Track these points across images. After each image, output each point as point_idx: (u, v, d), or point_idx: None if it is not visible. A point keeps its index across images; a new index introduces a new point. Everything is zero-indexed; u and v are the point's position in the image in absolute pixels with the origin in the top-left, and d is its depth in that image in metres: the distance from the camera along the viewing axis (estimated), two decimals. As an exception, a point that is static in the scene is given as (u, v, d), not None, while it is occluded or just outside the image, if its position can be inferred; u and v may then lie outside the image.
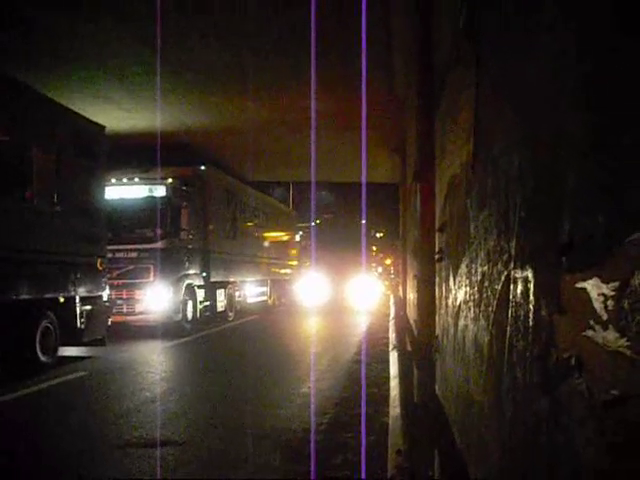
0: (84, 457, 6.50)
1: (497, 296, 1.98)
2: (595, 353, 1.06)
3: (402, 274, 15.62)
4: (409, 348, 8.38)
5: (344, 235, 27.94)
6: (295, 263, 32.54)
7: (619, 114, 1.01)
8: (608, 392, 0.99)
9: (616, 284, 0.97)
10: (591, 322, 1.07)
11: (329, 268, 26.90)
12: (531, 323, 1.52)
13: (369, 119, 14.44)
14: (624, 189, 0.97)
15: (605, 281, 1.01)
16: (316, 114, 16.15)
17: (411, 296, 10.07)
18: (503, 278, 1.87)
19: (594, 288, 1.06)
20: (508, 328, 1.80)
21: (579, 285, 1.13)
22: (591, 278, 1.07)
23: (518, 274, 1.66)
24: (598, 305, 1.04)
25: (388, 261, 37.20)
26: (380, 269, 35.05)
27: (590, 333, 1.08)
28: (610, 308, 1.00)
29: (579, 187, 1.17)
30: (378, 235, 37.47)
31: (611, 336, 0.99)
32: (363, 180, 21.06)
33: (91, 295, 13.08)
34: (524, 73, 1.69)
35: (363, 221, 28.59)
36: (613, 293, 0.98)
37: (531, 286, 1.53)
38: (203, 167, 20.40)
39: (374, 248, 33.83)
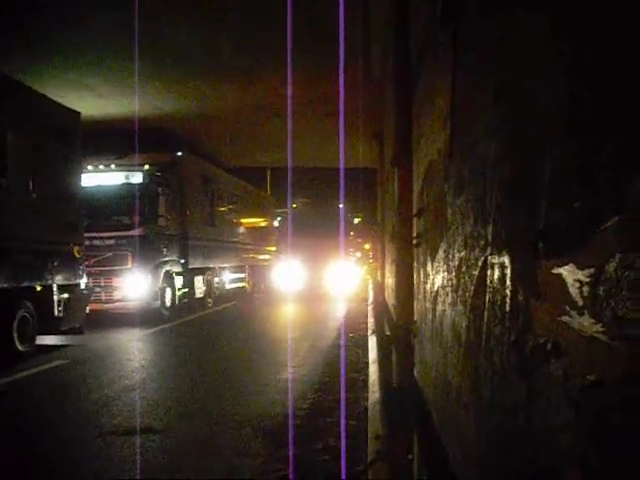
0: (64, 446, 6.48)
1: (474, 281, 1.99)
2: (571, 338, 1.07)
3: (381, 259, 15.66)
4: (388, 333, 8.42)
5: (322, 220, 27.68)
6: (274, 249, 32.50)
7: (596, 101, 1.02)
8: (584, 377, 1.00)
9: (591, 270, 0.97)
10: (567, 308, 1.08)
11: (307, 253, 26.69)
12: (508, 308, 1.53)
13: (346, 104, 14.43)
14: (600, 176, 0.97)
15: (581, 267, 1.02)
16: (293, 99, 16.13)
17: (389, 281, 10.10)
18: (480, 263, 1.88)
19: (570, 274, 1.07)
20: (485, 313, 1.81)
21: (555, 271, 1.13)
22: (567, 264, 1.08)
23: (495, 260, 1.67)
24: (574, 291, 1.05)
25: (367, 246, 37.23)
26: (359, 254, 35.04)
27: (566, 319, 1.08)
28: (585, 294, 1.00)
29: (555, 174, 1.18)
30: (356, 220, 37.43)
31: (587, 322, 0.99)
32: (341, 165, 21.04)
33: (68, 283, 12.99)
34: (501, 59, 1.69)
35: (341, 205, 28.39)
36: (588, 279, 0.99)
37: (508, 272, 1.53)
38: (180, 153, 20.29)
39: (352, 233, 33.74)
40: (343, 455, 5.45)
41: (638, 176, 0.85)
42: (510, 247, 1.52)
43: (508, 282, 1.53)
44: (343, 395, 7.82)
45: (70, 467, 5.95)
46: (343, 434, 6.22)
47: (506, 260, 1.55)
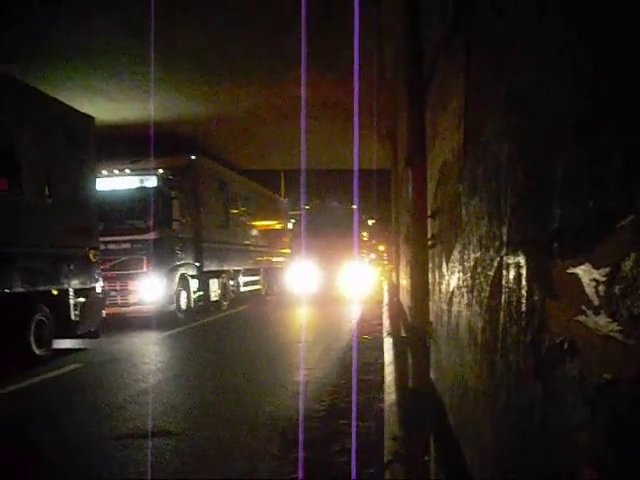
0: (79, 449, 6.52)
1: (490, 282, 1.99)
2: (587, 338, 1.07)
3: (395, 260, 15.63)
4: (403, 334, 8.41)
5: (335, 221, 27.51)
6: (288, 251, 32.54)
7: (608, 102, 1.02)
8: (600, 376, 1.00)
9: (607, 269, 0.98)
10: (583, 307, 1.08)
11: (320, 255, 26.55)
12: (524, 308, 1.53)
13: (360, 106, 14.43)
14: (613, 175, 0.98)
15: (596, 266, 1.02)
16: (306, 101, 16.15)
17: (404, 282, 10.09)
18: (496, 264, 1.88)
19: (585, 273, 1.07)
20: (501, 314, 1.81)
21: (570, 270, 1.14)
22: (582, 264, 1.08)
23: (510, 260, 1.67)
24: (589, 290, 1.05)
25: (381, 247, 37.20)
26: (373, 256, 35.02)
27: (582, 318, 1.09)
28: (601, 293, 1.01)
29: (568, 174, 1.18)
30: (370, 222, 37.39)
31: (602, 321, 1.00)
32: (355, 166, 20.98)
33: (84, 287, 13.07)
34: (513, 61, 1.70)
35: (354, 206, 28.21)
36: (604, 278, 0.99)
37: (523, 272, 1.54)
38: (194, 157, 20.37)
39: (365, 234, 33.67)
40: (354, 456, 5.45)
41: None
42: (525, 247, 1.52)
43: (524, 282, 1.53)
44: (354, 397, 7.83)
45: (85, 470, 5.98)
46: (354, 435, 6.22)
47: (521, 260, 1.55)
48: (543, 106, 1.38)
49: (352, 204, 28.44)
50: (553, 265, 1.25)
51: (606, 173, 1.00)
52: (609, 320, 0.97)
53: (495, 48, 1.96)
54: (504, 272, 1.76)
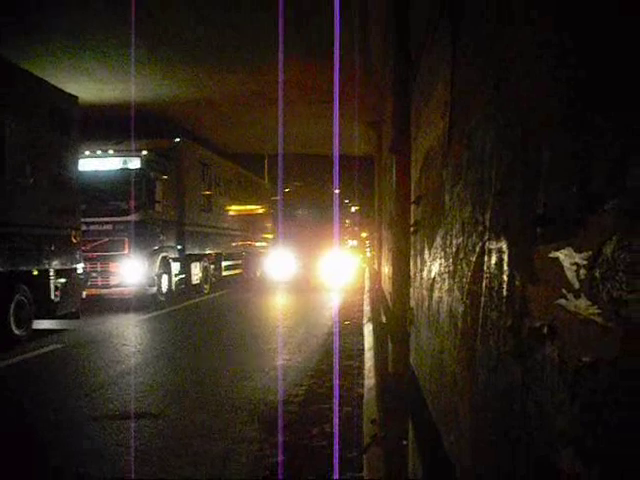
0: (59, 430, 6.51)
1: (471, 267, 2.00)
2: (567, 321, 1.08)
3: (377, 247, 15.68)
4: (384, 320, 8.45)
5: (316, 205, 27.33)
6: (270, 236, 32.51)
7: (594, 90, 1.03)
8: (579, 359, 1.01)
9: (588, 253, 0.99)
10: (563, 291, 1.09)
11: (300, 241, 26.42)
12: (505, 293, 1.55)
13: (343, 93, 14.42)
14: (597, 161, 0.99)
15: (578, 250, 1.03)
16: (287, 86, 16.12)
17: (386, 269, 10.12)
18: (478, 249, 1.89)
19: (567, 258, 1.08)
20: (482, 299, 1.82)
21: (552, 255, 1.15)
22: (564, 248, 1.09)
23: (492, 245, 1.69)
24: (570, 274, 1.06)
25: (363, 234, 37.29)
26: (356, 242, 35.07)
27: (562, 302, 1.10)
28: (582, 277, 1.02)
29: (553, 159, 1.19)
30: (353, 209, 37.43)
31: (583, 304, 1.01)
32: (335, 149, 20.92)
33: (65, 268, 13.02)
34: (500, 47, 1.70)
35: (336, 190, 27.97)
36: (585, 262, 1.00)
37: (505, 257, 1.55)
38: (178, 139, 20.29)
39: (347, 221, 33.69)
40: (336, 439, 5.48)
41: (635, 159, 0.87)
42: (508, 233, 1.53)
43: (505, 267, 1.54)
44: (336, 381, 7.87)
45: (66, 450, 5.97)
46: (336, 418, 6.25)
47: (504, 246, 1.56)
48: (529, 92, 1.38)
49: (334, 189, 28.30)
50: (535, 250, 1.26)
51: (590, 158, 1.01)
52: (589, 303, 0.98)
53: (483, 35, 1.97)
54: (486, 258, 1.78)
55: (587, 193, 1.01)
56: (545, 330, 1.20)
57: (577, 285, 1.04)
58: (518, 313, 1.41)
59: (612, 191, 0.92)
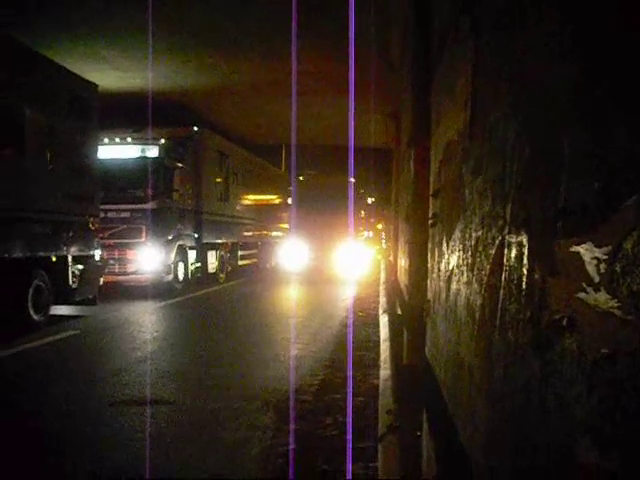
0: (75, 415, 6.58)
1: (491, 260, 2.02)
2: (586, 314, 1.10)
3: (394, 240, 15.68)
4: (399, 312, 8.46)
5: (332, 196, 26.99)
6: (286, 226, 32.50)
7: (613, 83, 1.05)
8: (598, 350, 1.03)
9: (609, 248, 1.01)
10: (583, 284, 1.11)
11: (315, 231, 26.15)
12: (524, 286, 1.57)
13: (360, 83, 14.39)
14: (618, 155, 1.01)
15: (598, 245, 1.05)
16: (303, 75, 16.11)
17: (402, 261, 10.13)
18: (497, 243, 1.91)
19: (587, 252, 1.10)
20: (501, 291, 1.84)
21: (573, 249, 1.17)
22: (585, 242, 1.11)
23: (512, 239, 1.70)
24: (591, 268, 1.08)
25: (379, 226, 37.29)
26: (371, 234, 35.06)
27: (582, 295, 1.12)
28: (602, 271, 1.04)
29: (574, 154, 1.21)
30: (370, 200, 37.38)
31: (602, 297, 1.03)
32: (350, 137, 20.81)
33: (83, 254, 13.11)
34: (521, 41, 1.72)
35: (351, 179, 27.48)
36: (606, 257, 1.02)
37: (525, 250, 1.57)
38: (196, 128, 20.33)
39: (363, 212, 33.58)
40: (349, 427, 5.51)
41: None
42: (528, 226, 1.55)
43: (525, 260, 1.56)
44: (350, 370, 7.90)
45: (81, 435, 6.03)
46: (349, 408, 6.28)
47: (524, 239, 1.58)
48: (551, 87, 1.40)
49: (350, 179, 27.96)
50: (556, 244, 1.28)
51: (612, 154, 1.03)
52: (609, 297, 1.01)
53: (504, 30, 1.98)
54: (505, 251, 1.80)
55: (608, 189, 1.03)
56: (564, 322, 1.22)
57: (597, 279, 1.06)
58: (537, 305, 1.43)
59: (633, 187, 0.94)
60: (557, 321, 1.26)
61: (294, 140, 25.33)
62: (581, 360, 1.12)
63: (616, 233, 0.98)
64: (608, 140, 1.04)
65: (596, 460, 1.05)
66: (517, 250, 1.65)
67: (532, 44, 1.59)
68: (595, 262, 1.07)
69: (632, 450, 0.95)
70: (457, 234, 2.88)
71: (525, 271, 1.56)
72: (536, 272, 1.45)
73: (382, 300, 10.54)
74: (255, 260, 28.13)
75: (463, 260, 2.68)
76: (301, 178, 32.08)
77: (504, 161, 1.84)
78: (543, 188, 1.42)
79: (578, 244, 1.14)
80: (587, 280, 1.10)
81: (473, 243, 2.41)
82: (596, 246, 1.06)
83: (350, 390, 7.03)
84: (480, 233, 2.24)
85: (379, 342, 7.80)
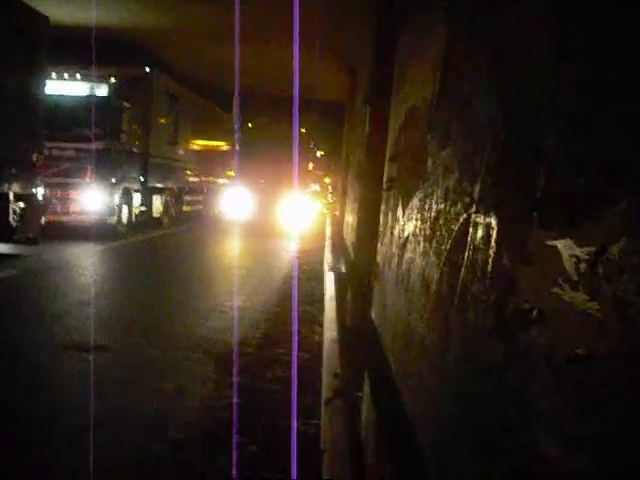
0: (17, 358, 6.47)
1: (453, 236, 2.01)
2: (561, 310, 1.09)
3: (342, 195, 15.68)
4: (344, 270, 8.49)
5: (277, 145, 26.54)
6: (232, 173, 32.16)
7: (599, 65, 1.02)
8: (572, 349, 1.02)
9: (592, 249, 0.99)
10: (559, 280, 1.10)
11: (260, 180, 25.72)
12: (490, 269, 1.55)
13: (309, 36, 14.22)
14: (609, 155, 0.98)
15: (579, 244, 1.04)
16: (252, 22, 15.85)
17: (350, 219, 10.14)
18: (462, 220, 1.90)
19: (566, 248, 1.08)
20: (462, 269, 1.83)
21: (549, 242, 1.15)
22: (564, 238, 1.09)
23: (480, 219, 1.69)
24: (569, 265, 1.07)
25: (327, 180, 37.21)
26: (318, 187, 35.00)
27: (557, 290, 1.10)
28: (582, 271, 1.02)
29: (559, 145, 1.18)
30: (319, 154, 37.28)
31: (580, 297, 1.02)
32: (295, 82, 20.44)
33: (25, 192, 12.79)
34: (502, 17, 1.68)
35: (303, 130, 26.87)
36: (587, 257, 1.00)
37: (493, 233, 1.55)
38: (148, 69, 19.89)
39: (311, 165, 33.42)
40: (295, 383, 5.55)
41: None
42: (499, 209, 1.53)
43: (493, 243, 1.55)
44: (295, 327, 7.92)
45: (22, 380, 5.94)
46: (294, 363, 6.32)
47: (493, 221, 1.56)
48: (533, 60, 1.37)
49: (299, 128, 27.56)
50: (531, 233, 1.26)
51: (602, 151, 1.00)
52: (588, 298, 0.99)
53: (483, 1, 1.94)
54: (471, 229, 1.78)
55: (595, 188, 1.01)
56: (534, 313, 1.21)
57: (575, 277, 1.04)
58: (504, 291, 1.42)
59: (623, 191, 0.92)
60: (526, 311, 1.25)
61: (237, 84, 24.75)
62: (551, 356, 1.11)
63: (601, 236, 0.96)
64: (598, 136, 1.02)
65: (559, 456, 1.05)
66: (484, 231, 1.64)
67: (517, 17, 1.55)
68: (574, 260, 1.05)
69: (601, 449, 0.94)
70: (415, 202, 2.87)
71: (492, 253, 1.54)
72: (505, 257, 1.44)
73: (327, 255, 10.55)
74: (200, 207, 27.87)
75: (420, 230, 2.67)
76: (250, 125, 31.60)
77: (477, 138, 1.81)
78: (518, 174, 1.39)
79: (555, 238, 1.13)
80: (564, 277, 1.08)
81: (433, 215, 2.39)
82: (577, 244, 1.05)
83: (295, 345, 7.07)
84: (442, 206, 2.22)
85: (322, 297, 7.81)
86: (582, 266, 1.02)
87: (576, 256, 1.04)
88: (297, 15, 12.25)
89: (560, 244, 1.11)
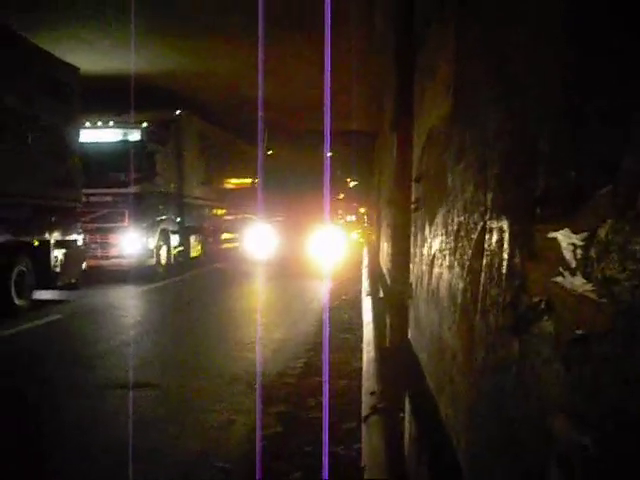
0: (60, 398, 6.60)
1: (472, 245, 2.07)
2: (563, 297, 1.15)
3: (376, 224, 15.73)
4: (382, 295, 8.52)
5: (305, 175, 25.23)
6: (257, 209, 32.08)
7: (596, 76, 1.09)
8: (573, 332, 1.08)
9: (585, 234, 1.06)
10: (560, 269, 1.16)
11: (286, 215, 24.42)
12: (504, 270, 1.61)
13: (340, 67, 14.36)
14: (593, 149, 1.05)
15: (575, 232, 1.10)
16: (281, 59, 16.03)
17: (385, 245, 10.18)
18: (479, 228, 1.96)
19: (565, 238, 1.15)
20: (482, 275, 1.89)
21: (551, 235, 1.22)
22: (562, 229, 1.16)
23: (494, 224, 1.75)
24: (568, 253, 1.13)
25: (362, 210, 37.31)
26: (354, 217, 35.10)
27: (559, 279, 1.17)
28: (578, 256, 1.09)
29: (553, 145, 1.25)
30: (352, 184, 37.42)
31: (578, 281, 1.08)
32: (326, 122, 20.38)
33: (66, 239, 13.08)
34: (504, 32, 1.76)
35: (329, 153, 24.11)
36: (582, 243, 1.07)
37: (506, 236, 1.61)
38: (178, 111, 20.26)
39: (342, 195, 33.39)
40: (325, 409, 5.57)
41: (629, 148, 0.93)
42: (509, 212, 1.60)
43: (506, 245, 1.61)
44: (326, 352, 7.95)
45: (69, 418, 6.06)
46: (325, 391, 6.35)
47: (504, 225, 1.63)
48: (530, 79, 1.45)
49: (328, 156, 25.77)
50: (535, 230, 1.33)
51: (587, 146, 1.08)
52: (584, 281, 1.05)
53: (487, 16, 2.02)
54: (487, 236, 1.84)
55: (584, 179, 1.08)
56: (542, 305, 1.27)
57: (574, 264, 1.11)
58: (517, 289, 1.48)
59: (607, 178, 0.99)
60: (535, 304, 1.31)
61: (261, 117, 24.53)
62: (557, 341, 1.17)
63: (591, 221, 1.03)
64: (585, 135, 1.09)
65: (570, 435, 1.11)
66: (498, 235, 1.70)
67: (517, 32, 1.63)
68: (572, 248, 1.11)
69: (604, 425, 1.00)
70: (439, 219, 2.93)
71: (506, 256, 1.61)
72: (516, 257, 1.50)
73: (364, 283, 10.60)
74: (236, 244, 27.98)
75: (445, 244, 2.73)
76: (270, 152, 30.69)
77: (485, 149, 1.88)
78: (523, 176, 1.46)
79: (556, 230, 1.19)
80: (564, 265, 1.14)
81: (455, 228, 2.45)
82: (573, 232, 1.11)
83: (326, 370, 7.10)
84: (462, 218, 2.28)
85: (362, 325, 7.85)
86: (578, 252, 1.09)
87: (573, 243, 1.11)
88: (328, 46, 12.45)
89: (560, 235, 1.17)
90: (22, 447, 5.29)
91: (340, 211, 30.67)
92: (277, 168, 28.29)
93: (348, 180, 36.30)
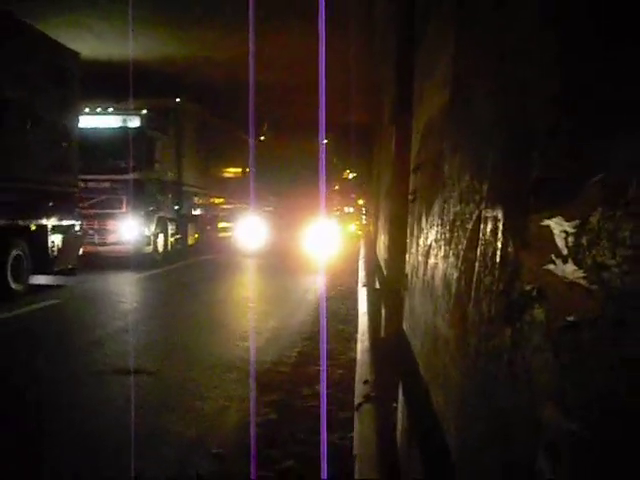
0: (57, 384, 6.62)
1: (467, 235, 2.08)
2: (554, 284, 1.16)
3: (374, 216, 15.73)
4: (378, 286, 8.53)
5: (298, 162, 25.07)
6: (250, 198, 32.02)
7: (590, 68, 1.10)
8: (564, 319, 1.10)
9: (577, 222, 1.07)
10: (553, 256, 1.17)
11: (279, 205, 24.45)
12: (498, 259, 1.62)
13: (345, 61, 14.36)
14: (585, 139, 1.06)
15: (567, 219, 1.11)
16: (277, 48, 15.96)
17: (382, 237, 10.19)
18: (474, 217, 1.97)
19: (557, 225, 1.16)
20: (476, 264, 1.90)
21: (544, 223, 1.23)
22: (555, 216, 1.17)
23: (489, 214, 1.76)
24: (560, 241, 1.14)
25: (360, 201, 37.30)
26: (352, 209, 35.08)
27: (551, 267, 1.18)
28: (570, 244, 1.10)
29: (547, 135, 1.26)
30: (351, 176, 37.41)
31: (570, 268, 1.09)
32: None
33: (63, 224, 13.08)
34: (503, 24, 1.76)
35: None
36: (574, 230, 1.08)
37: (500, 225, 1.62)
38: (178, 99, 20.23)
39: (337, 187, 33.30)
40: (323, 397, 5.60)
41: (621, 137, 0.94)
42: (503, 201, 1.61)
43: (500, 234, 1.62)
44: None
45: (64, 404, 6.08)
46: (323, 379, 6.37)
47: (499, 214, 1.64)
48: (526, 70, 1.45)
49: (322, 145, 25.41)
50: (528, 218, 1.34)
51: (580, 137, 1.09)
52: (575, 268, 1.07)
53: (485, 10, 2.02)
54: (482, 225, 1.85)
55: (577, 167, 1.09)
56: (534, 293, 1.28)
57: (565, 251, 1.12)
58: (510, 277, 1.49)
59: (598, 167, 1.00)
60: (528, 292, 1.32)
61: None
62: (548, 328, 1.18)
63: (583, 208, 1.04)
64: (578, 125, 1.10)
65: (558, 421, 1.12)
66: (492, 224, 1.71)
67: (515, 25, 1.63)
68: (564, 235, 1.12)
69: (591, 411, 1.01)
70: (436, 209, 2.94)
71: (499, 245, 1.62)
72: (509, 246, 1.51)
73: (360, 274, 10.61)
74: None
75: (441, 235, 2.74)
76: (262, 138, 30.53)
77: (482, 139, 1.89)
78: (518, 166, 1.47)
79: (549, 218, 1.20)
80: (556, 252, 1.15)
81: (451, 218, 2.46)
82: (565, 220, 1.12)
83: (324, 360, 7.12)
84: (458, 208, 2.29)
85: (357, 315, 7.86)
86: (570, 239, 1.10)
87: (565, 231, 1.12)
88: (323, 34, 12.42)
89: (553, 222, 1.18)
90: (18, 433, 5.32)
91: (336, 202, 30.46)
92: (271, 158, 28.14)
93: (347, 172, 36.28)
